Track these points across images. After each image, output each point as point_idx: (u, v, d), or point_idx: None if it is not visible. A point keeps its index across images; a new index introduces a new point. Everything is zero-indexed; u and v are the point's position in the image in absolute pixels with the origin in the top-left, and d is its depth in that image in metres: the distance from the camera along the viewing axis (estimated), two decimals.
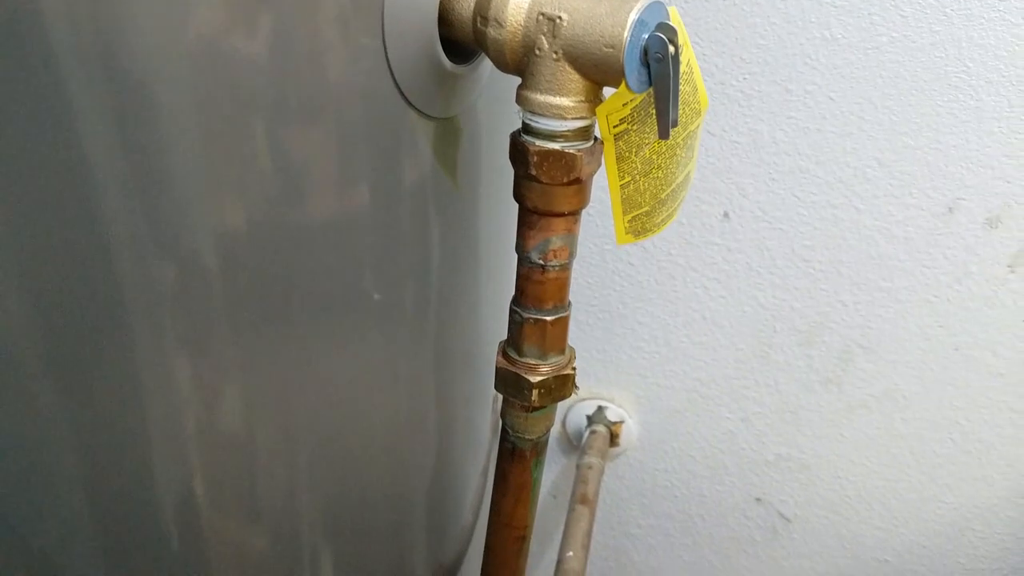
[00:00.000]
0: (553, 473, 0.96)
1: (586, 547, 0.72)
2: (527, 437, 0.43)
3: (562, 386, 0.41)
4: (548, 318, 0.40)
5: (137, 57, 0.28)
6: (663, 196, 0.47)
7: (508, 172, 0.40)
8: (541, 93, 0.35)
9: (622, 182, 0.43)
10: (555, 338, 0.40)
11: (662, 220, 0.49)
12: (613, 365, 0.89)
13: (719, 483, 0.93)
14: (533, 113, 0.36)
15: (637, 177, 0.44)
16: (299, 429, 0.41)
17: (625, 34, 0.33)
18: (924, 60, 0.67)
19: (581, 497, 0.78)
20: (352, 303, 0.40)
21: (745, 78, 0.72)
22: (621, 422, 0.90)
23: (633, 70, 0.34)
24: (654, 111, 0.37)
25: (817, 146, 0.73)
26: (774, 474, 0.91)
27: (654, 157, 0.43)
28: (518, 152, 0.37)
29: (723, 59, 0.71)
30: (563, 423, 0.93)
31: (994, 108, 0.68)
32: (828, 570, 0.96)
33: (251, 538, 0.42)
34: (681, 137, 0.43)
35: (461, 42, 0.37)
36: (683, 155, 0.46)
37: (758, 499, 0.93)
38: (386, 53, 0.35)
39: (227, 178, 0.32)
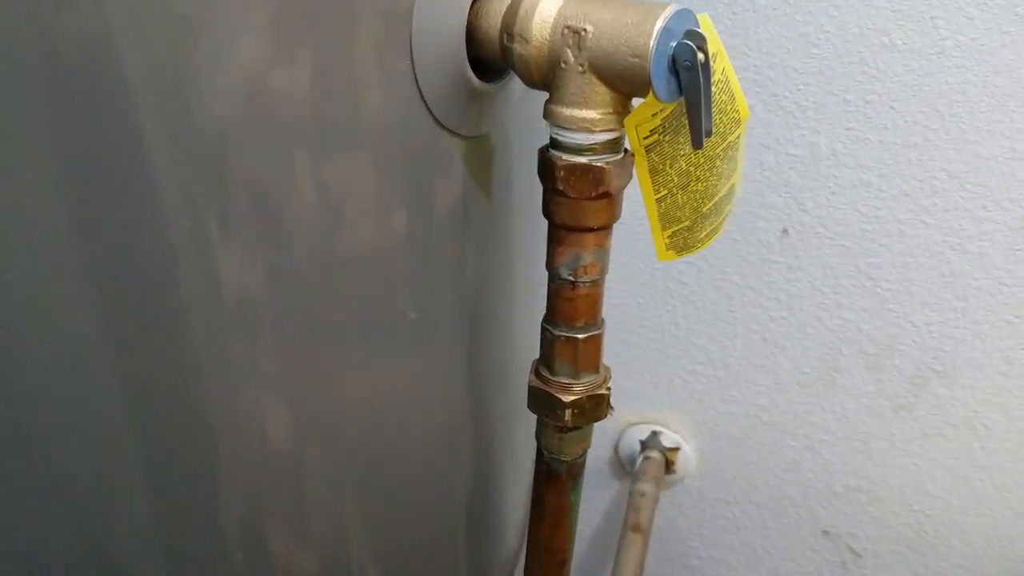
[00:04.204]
0: (605, 500, 0.94)
1: None
2: (562, 459, 0.42)
3: (596, 406, 0.40)
4: (580, 336, 0.38)
5: (198, 92, 0.29)
6: (705, 210, 0.45)
7: (540, 187, 0.39)
8: (567, 106, 0.34)
9: (658, 196, 0.42)
10: (588, 356, 0.39)
11: (706, 235, 0.47)
12: (667, 389, 0.87)
13: (784, 515, 0.89)
14: (560, 127, 0.35)
15: (674, 190, 0.42)
16: (340, 447, 0.41)
17: (651, 43, 0.32)
18: (994, 63, 0.63)
19: (633, 525, 0.75)
20: (390, 321, 0.40)
21: (799, 89, 0.69)
22: (677, 448, 0.87)
23: (661, 79, 0.33)
24: (687, 121, 0.36)
25: (879, 158, 0.69)
26: (843, 506, 0.86)
27: (692, 169, 0.41)
28: (545, 167, 0.36)
29: (774, 70, 0.69)
30: (615, 447, 0.91)
31: None
32: None
33: (298, 556, 0.42)
34: (720, 148, 0.42)
35: (489, 60, 0.37)
36: (725, 167, 0.44)
37: (826, 532, 0.89)
38: (415, 76, 0.35)
39: (274, 204, 0.33)
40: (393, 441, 0.44)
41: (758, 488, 0.88)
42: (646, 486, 0.81)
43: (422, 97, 0.35)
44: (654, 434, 0.88)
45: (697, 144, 0.36)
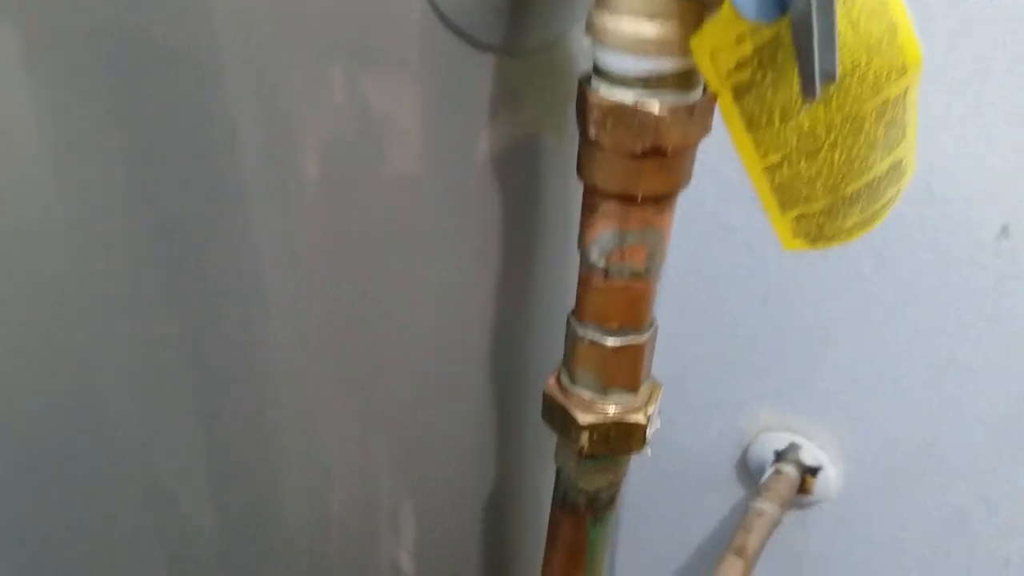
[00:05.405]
0: (724, 510, 0.82)
1: None
2: (581, 487, 0.32)
3: (624, 437, 0.30)
4: (609, 342, 0.28)
5: None
6: (849, 191, 0.32)
7: None
8: (612, 12, 0.24)
9: (767, 163, 0.30)
10: (619, 369, 0.29)
11: (854, 224, 0.35)
12: (819, 395, 0.72)
13: (936, 573, 0.72)
14: (604, 44, 0.24)
15: (794, 157, 0.30)
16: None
17: None
18: None
19: (737, 548, 0.64)
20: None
21: None
22: (819, 467, 0.73)
23: None
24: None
25: None
26: None
27: (820, 130, 0.29)
28: (579, 105, 0.26)
29: None
30: (745, 451, 0.78)
31: None
32: None
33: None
34: (871, 105, 0.29)
35: None
36: (881, 133, 0.30)
37: None
38: None
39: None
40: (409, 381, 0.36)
41: (909, 534, 0.72)
42: (766, 505, 0.69)
43: None
44: (793, 446, 0.74)
45: (808, 92, 0.24)
